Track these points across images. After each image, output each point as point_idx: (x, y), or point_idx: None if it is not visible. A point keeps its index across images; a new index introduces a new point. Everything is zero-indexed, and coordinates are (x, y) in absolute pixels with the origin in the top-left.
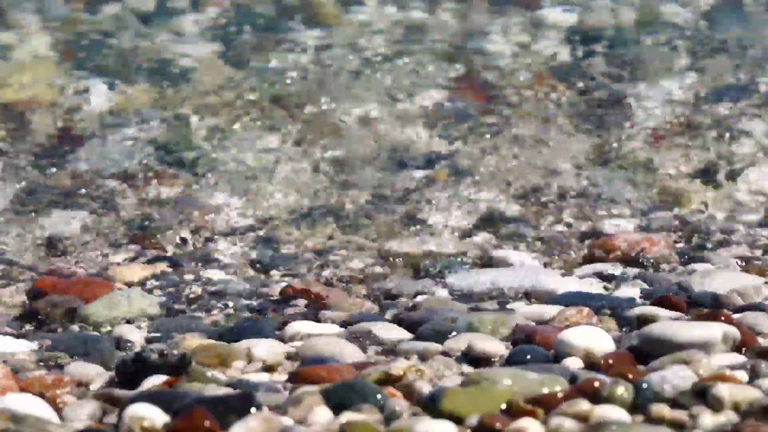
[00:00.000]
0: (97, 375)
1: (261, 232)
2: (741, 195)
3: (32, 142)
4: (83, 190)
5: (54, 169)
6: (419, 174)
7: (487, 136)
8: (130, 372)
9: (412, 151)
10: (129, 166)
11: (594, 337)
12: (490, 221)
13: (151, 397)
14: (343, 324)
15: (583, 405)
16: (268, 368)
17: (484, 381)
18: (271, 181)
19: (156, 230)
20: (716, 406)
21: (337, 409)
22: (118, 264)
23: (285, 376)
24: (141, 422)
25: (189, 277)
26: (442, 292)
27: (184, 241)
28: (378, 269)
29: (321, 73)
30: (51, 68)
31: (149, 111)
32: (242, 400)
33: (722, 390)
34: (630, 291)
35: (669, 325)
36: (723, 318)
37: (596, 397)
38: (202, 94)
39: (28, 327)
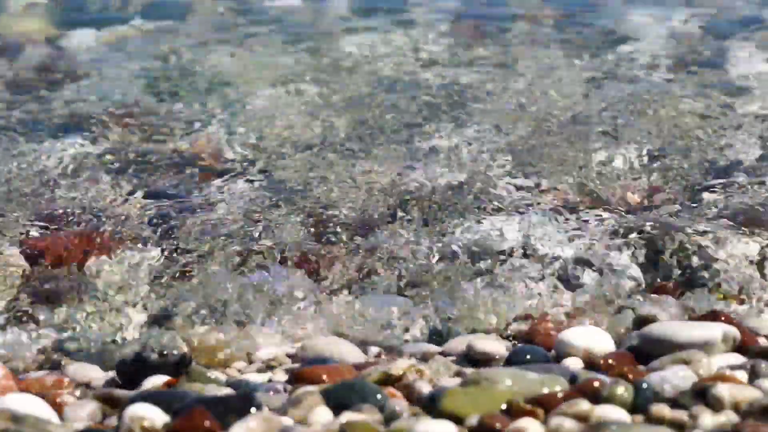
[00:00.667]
0: (97, 376)
1: (258, 170)
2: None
3: (25, 78)
4: (77, 123)
5: (48, 104)
6: (419, 107)
7: (485, 69)
8: (130, 372)
9: (411, 83)
10: (124, 99)
11: (594, 337)
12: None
13: (151, 397)
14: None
15: (583, 405)
16: (268, 368)
17: (484, 381)
18: (269, 116)
19: (152, 166)
20: (716, 406)
21: (337, 409)
22: (115, 201)
23: (285, 377)
24: (141, 422)
25: (187, 221)
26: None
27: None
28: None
29: (318, 9)
30: (44, 12)
31: (143, 47)
32: (242, 401)
33: (722, 390)
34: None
35: (669, 325)
36: (723, 318)
37: (596, 397)
38: (197, 33)
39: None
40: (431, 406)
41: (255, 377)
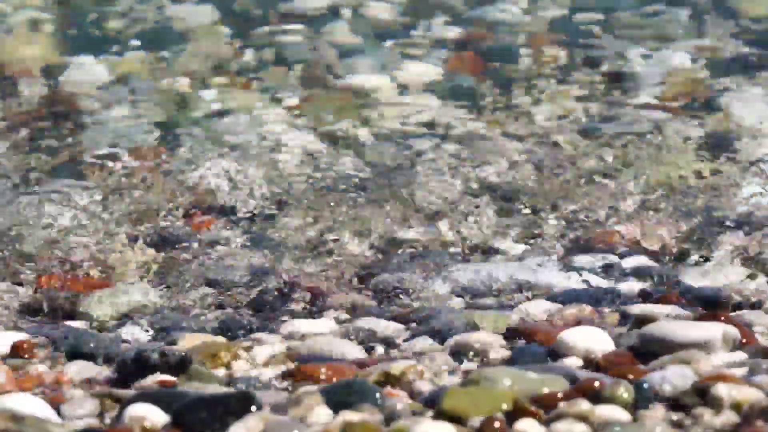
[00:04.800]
0: (97, 373)
1: (259, 215)
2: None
3: (25, 115)
4: (80, 169)
5: (49, 143)
6: (419, 147)
7: (487, 108)
8: (130, 371)
9: (412, 122)
10: (126, 142)
11: (594, 337)
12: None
13: (151, 396)
14: (343, 321)
15: (584, 405)
16: (268, 367)
17: (483, 380)
18: (273, 157)
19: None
20: (716, 406)
21: (336, 408)
22: (119, 251)
23: (285, 376)
24: (142, 422)
25: (189, 267)
26: (443, 287)
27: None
28: (377, 258)
29: (322, 42)
30: (46, 40)
31: (146, 82)
32: (242, 400)
33: (722, 390)
34: (631, 285)
35: (668, 324)
36: (723, 318)
37: (597, 397)
38: (200, 62)
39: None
40: (432, 405)
41: (255, 375)
